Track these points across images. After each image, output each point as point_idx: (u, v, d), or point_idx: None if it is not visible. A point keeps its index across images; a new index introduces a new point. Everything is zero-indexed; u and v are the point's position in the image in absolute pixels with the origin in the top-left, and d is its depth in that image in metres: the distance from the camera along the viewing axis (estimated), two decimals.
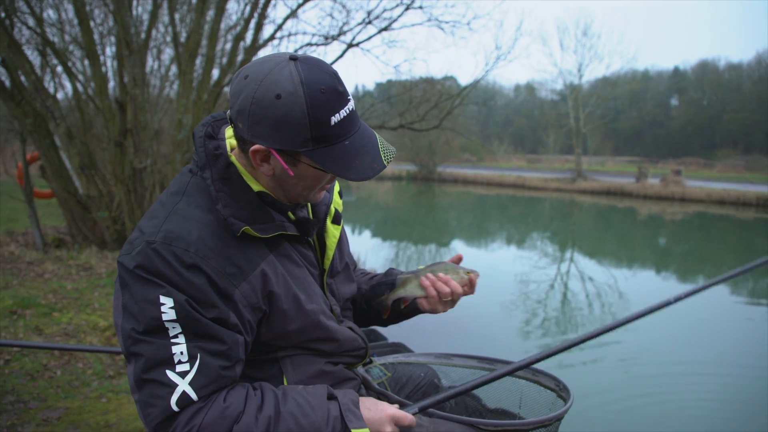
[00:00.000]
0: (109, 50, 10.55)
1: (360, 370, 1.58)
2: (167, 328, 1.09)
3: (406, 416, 1.27)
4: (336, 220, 1.46)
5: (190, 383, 1.08)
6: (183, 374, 1.08)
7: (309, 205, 1.41)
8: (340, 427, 1.18)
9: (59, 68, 9.44)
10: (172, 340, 1.09)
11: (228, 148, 1.26)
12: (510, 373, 1.50)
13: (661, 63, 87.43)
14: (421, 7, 9.47)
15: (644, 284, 9.84)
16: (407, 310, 1.59)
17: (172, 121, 10.89)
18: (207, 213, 1.18)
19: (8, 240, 8.63)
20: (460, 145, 38.02)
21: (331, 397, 1.22)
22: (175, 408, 1.07)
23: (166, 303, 1.08)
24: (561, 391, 1.55)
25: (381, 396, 1.53)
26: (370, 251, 11.65)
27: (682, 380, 5.45)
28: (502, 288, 8.94)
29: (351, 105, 1.18)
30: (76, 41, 9.57)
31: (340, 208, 1.49)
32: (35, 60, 9.09)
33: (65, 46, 9.79)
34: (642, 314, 1.52)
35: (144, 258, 1.10)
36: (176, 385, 1.07)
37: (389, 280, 1.59)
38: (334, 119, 1.13)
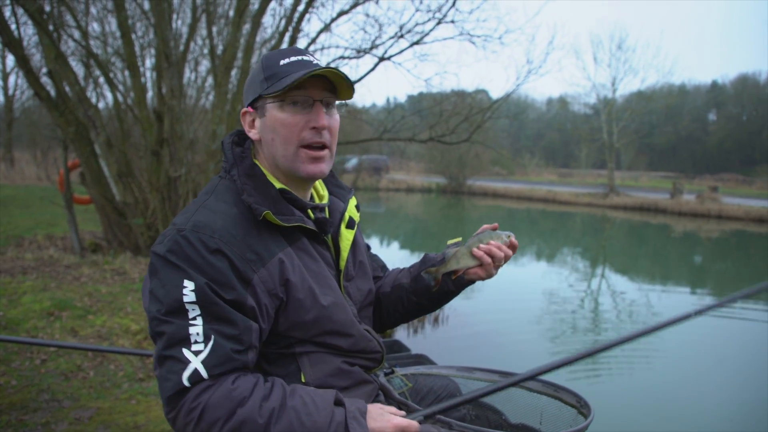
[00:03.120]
0: (149, 62, 10.89)
1: (381, 378, 1.60)
2: (187, 310, 1.17)
3: (411, 424, 1.29)
4: (350, 225, 1.53)
5: (202, 362, 1.15)
6: (197, 353, 1.16)
7: (326, 209, 1.49)
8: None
9: (101, 79, 9.79)
10: (191, 322, 1.17)
11: (252, 154, 1.43)
12: (515, 384, 1.50)
13: (698, 77, 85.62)
14: (453, 22, 9.50)
15: (678, 303, 9.58)
16: (456, 285, 1.63)
17: (206, 131, 11.14)
18: (232, 207, 1.30)
19: (48, 244, 8.93)
20: (491, 159, 37.75)
21: (339, 402, 1.25)
22: (186, 383, 1.14)
23: (188, 286, 1.17)
24: (582, 407, 1.54)
25: (401, 405, 1.55)
26: (398, 263, 11.63)
27: (708, 399, 5.30)
28: (531, 303, 8.83)
29: (309, 58, 1.35)
30: (118, 53, 9.91)
31: (357, 218, 1.57)
32: (79, 71, 9.44)
33: (107, 58, 10.16)
34: (657, 327, 1.50)
35: (173, 244, 1.21)
36: (189, 362, 1.15)
37: (435, 258, 1.65)
38: (284, 61, 1.34)
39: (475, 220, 24.74)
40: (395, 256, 13.19)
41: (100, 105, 10.25)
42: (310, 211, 1.42)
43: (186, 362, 1.15)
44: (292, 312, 1.30)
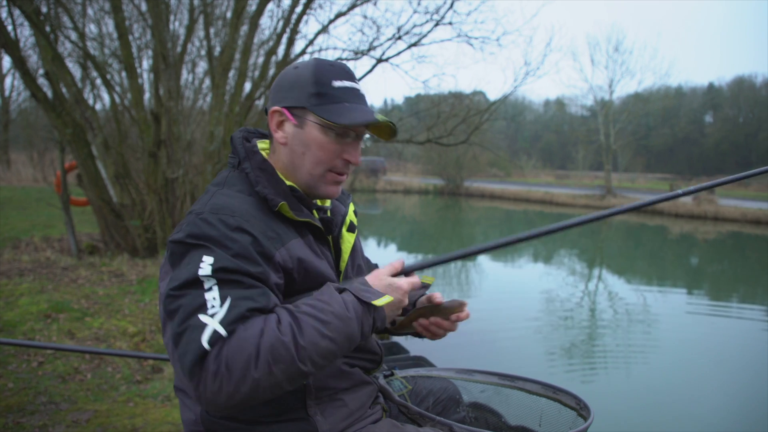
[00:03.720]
0: (146, 63, 10.89)
1: (381, 380, 1.61)
2: (202, 281, 1.13)
3: (408, 280, 1.36)
4: (351, 229, 1.55)
5: (220, 321, 1.09)
6: (213, 315, 1.10)
7: (329, 212, 1.50)
8: (360, 307, 1.22)
9: (98, 81, 9.77)
10: (206, 291, 1.12)
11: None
12: (513, 385, 1.50)
13: (695, 79, 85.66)
14: (450, 23, 9.53)
15: (674, 304, 9.60)
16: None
17: (204, 132, 11.14)
18: (247, 195, 1.30)
19: (45, 245, 8.91)
20: (488, 160, 37.81)
21: (339, 290, 1.24)
22: (206, 346, 1.07)
23: (206, 261, 1.14)
24: (581, 409, 1.54)
25: (402, 408, 1.55)
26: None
27: (707, 400, 5.31)
28: (529, 304, 8.84)
29: (358, 86, 1.37)
30: (115, 55, 9.90)
31: (356, 222, 1.59)
32: (76, 73, 9.43)
33: (105, 60, 10.14)
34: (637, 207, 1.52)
35: (192, 226, 1.19)
36: (206, 325, 1.09)
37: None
38: (337, 83, 1.32)
39: (472, 221, 24.77)
40: (392, 258, 13.14)
41: (97, 106, 10.24)
42: (314, 211, 1.43)
43: (203, 326, 1.09)
44: (301, 287, 1.29)
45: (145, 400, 3.65)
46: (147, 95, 9.59)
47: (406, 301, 1.35)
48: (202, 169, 7.90)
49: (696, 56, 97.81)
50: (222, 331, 1.08)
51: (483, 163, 37.45)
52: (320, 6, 9.26)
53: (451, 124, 10.53)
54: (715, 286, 12.27)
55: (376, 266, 1.76)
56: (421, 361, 2.05)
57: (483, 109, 11.16)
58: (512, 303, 8.94)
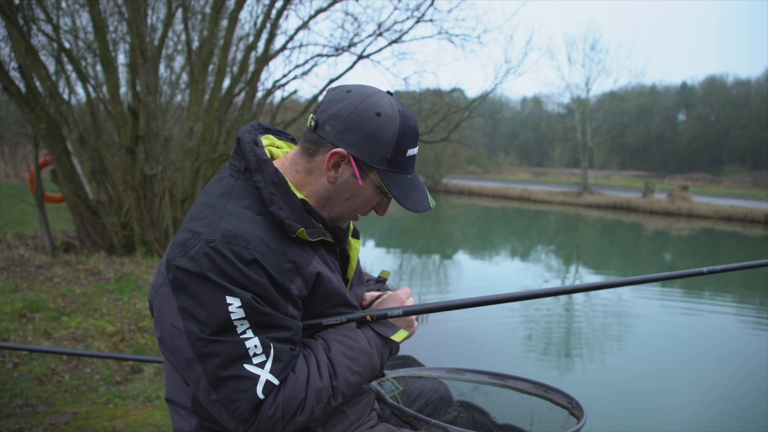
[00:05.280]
0: (121, 57, 10.68)
1: (373, 383, 1.60)
2: (236, 326, 1.14)
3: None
4: (355, 235, 1.54)
5: (270, 371, 1.16)
6: (261, 365, 1.16)
7: None
8: (380, 341, 1.36)
9: (73, 74, 9.56)
10: (242, 336, 1.15)
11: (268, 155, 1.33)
12: (504, 384, 1.50)
13: (668, 78, 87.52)
14: (431, 21, 9.54)
15: (648, 299, 9.78)
16: None
17: (181, 128, 10.99)
18: (257, 214, 1.24)
19: (18, 243, 8.69)
20: (466, 157, 38.08)
21: (359, 325, 1.37)
22: (261, 396, 1.15)
23: (234, 303, 1.13)
24: (573, 408, 1.55)
25: (395, 410, 1.55)
26: (375, 262, 11.66)
27: (703, 401, 5.40)
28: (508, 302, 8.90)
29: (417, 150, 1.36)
30: (90, 48, 9.69)
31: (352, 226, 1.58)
32: (50, 66, 9.20)
33: (79, 53, 9.91)
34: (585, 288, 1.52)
35: (205, 258, 1.14)
36: (258, 376, 1.15)
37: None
38: (410, 152, 1.31)
39: (450, 218, 24.89)
40: (371, 255, 13.21)
41: (72, 101, 10.01)
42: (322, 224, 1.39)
43: (254, 377, 1.15)
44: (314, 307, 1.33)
45: (126, 401, 3.59)
46: (123, 90, 9.42)
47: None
48: (180, 166, 7.78)
49: (670, 55, 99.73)
50: (275, 381, 1.16)
51: (461, 160, 37.69)
52: (300, 1, 9.15)
53: (432, 122, 10.56)
54: (687, 283, 12.54)
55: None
56: (409, 361, 2.04)
57: (464, 107, 11.21)
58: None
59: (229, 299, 1.13)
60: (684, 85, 54.70)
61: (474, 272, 12.31)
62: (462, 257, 14.74)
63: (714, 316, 8.78)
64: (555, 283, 11.18)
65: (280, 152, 1.43)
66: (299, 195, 1.30)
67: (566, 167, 48.58)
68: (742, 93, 49.27)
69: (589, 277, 12.63)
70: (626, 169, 49.92)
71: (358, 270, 1.54)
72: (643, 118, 49.27)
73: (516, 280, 11.09)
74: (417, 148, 1.34)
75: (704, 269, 1.57)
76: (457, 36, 9.89)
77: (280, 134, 1.47)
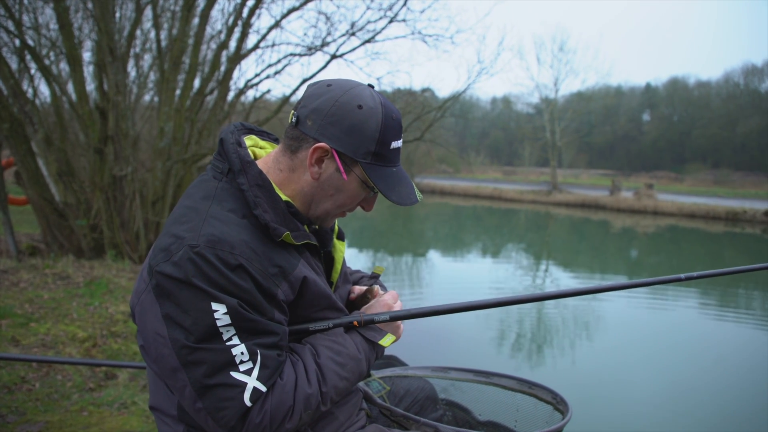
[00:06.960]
0: (87, 56, 10.40)
1: (360, 383, 1.61)
2: (221, 333, 1.12)
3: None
4: (340, 237, 1.53)
5: (258, 378, 1.14)
6: (248, 372, 1.14)
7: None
8: (367, 346, 1.35)
9: (38, 73, 9.28)
10: (228, 343, 1.12)
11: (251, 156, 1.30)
12: (489, 381, 1.52)
13: (634, 79, 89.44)
14: (404, 21, 9.58)
15: (617, 295, 10.01)
16: None
17: (150, 128, 10.78)
18: (241, 218, 1.21)
19: None
20: (438, 157, 38.27)
21: (346, 330, 1.35)
22: (249, 404, 1.13)
23: (219, 309, 1.11)
24: (558, 404, 1.58)
25: (383, 410, 1.56)
26: (348, 261, 11.62)
27: (685, 394, 5.49)
28: (478, 298, 8.93)
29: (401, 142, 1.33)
30: (54, 45, 9.43)
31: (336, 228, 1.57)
32: (12, 64, 8.91)
33: (41, 50, 9.62)
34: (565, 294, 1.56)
35: (189, 263, 1.11)
36: (245, 384, 1.13)
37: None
38: (394, 144, 1.28)
39: (422, 217, 25.01)
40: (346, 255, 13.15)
41: (36, 101, 9.72)
42: (306, 226, 1.37)
43: (241, 385, 1.13)
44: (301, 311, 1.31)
45: (100, 408, 3.51)
46: (89, 88, 9.18)
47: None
48: (151, 166, 7.64)
49: (635, 57, 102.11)
50: (262, 388, 1.15)
51: (433, 159, 37.90)
52: (273, 0, 9.07)
53: (405, 122, 10.60)
54: (654, 276, 12.85)
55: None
56: (393, 361, 2.05)
57: (437, 107, 11.30)
58: (461, 297, 9.05)
59: (214, 305, 1.10)
60: (648, 86, 56.10)
61: (447, 271, 12.40)
62: (435, 256, 14.84)
63: (672, 311, 9.03)
64: (527, 282, 11.34)
65: (264, 153, 1.40)
66: (284, 197, 1.28)
67: (536, 166, 49.32)
68: (703, 94, 50.79)
69: (558, 273, 12.85)
70: (594, 168, 50.97)
71: (343, 272, 1.53)
72: (610, 118, 50.41)
73: (488, 277, 11.22)
74: (401, 140, 1.32)
75: (682, 275, 1.63)
76: (430, 36, 9.96)
77: (263, 134, 1.45)
